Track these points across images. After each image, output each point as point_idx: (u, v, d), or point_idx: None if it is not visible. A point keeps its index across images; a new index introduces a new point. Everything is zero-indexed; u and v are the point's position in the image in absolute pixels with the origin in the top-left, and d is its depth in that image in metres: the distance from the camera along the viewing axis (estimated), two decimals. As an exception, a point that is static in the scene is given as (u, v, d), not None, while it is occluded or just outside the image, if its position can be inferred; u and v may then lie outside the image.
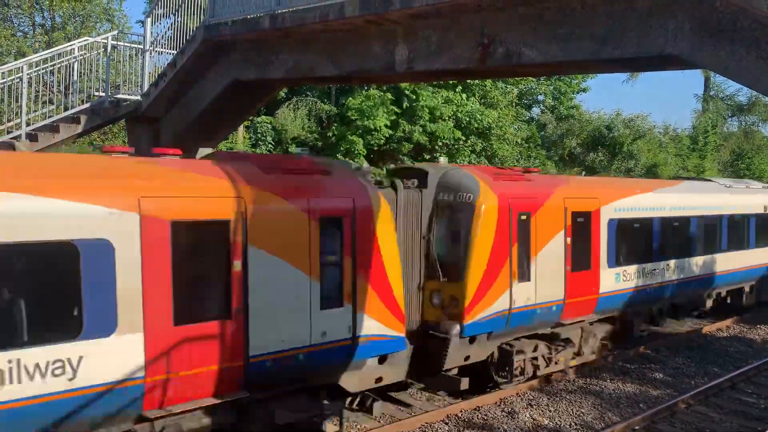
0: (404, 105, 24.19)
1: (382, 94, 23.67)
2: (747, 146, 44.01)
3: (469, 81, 26.30)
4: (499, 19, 9.41)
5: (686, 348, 16.60)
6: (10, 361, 6.40)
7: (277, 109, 26.00)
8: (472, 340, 11.24)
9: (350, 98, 24.28)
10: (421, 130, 24.25)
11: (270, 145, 24.45)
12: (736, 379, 13.87)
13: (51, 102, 14.19)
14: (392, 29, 10.49)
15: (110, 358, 7.03)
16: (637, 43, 8.23)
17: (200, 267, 8.04)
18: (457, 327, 10.89)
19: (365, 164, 22.74)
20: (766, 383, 13.93)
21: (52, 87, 14.92)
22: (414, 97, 24.13)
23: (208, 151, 10.30)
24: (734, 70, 7.35)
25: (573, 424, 11.23)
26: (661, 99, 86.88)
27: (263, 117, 25.18)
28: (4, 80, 12.67)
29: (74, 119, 13.51)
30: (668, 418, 11.61)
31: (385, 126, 23.59)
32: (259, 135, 24.14)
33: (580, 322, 13.30)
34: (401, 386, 11.49)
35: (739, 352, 16.44)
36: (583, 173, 30.92)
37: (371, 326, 9.42)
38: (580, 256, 13.15)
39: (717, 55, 7.43)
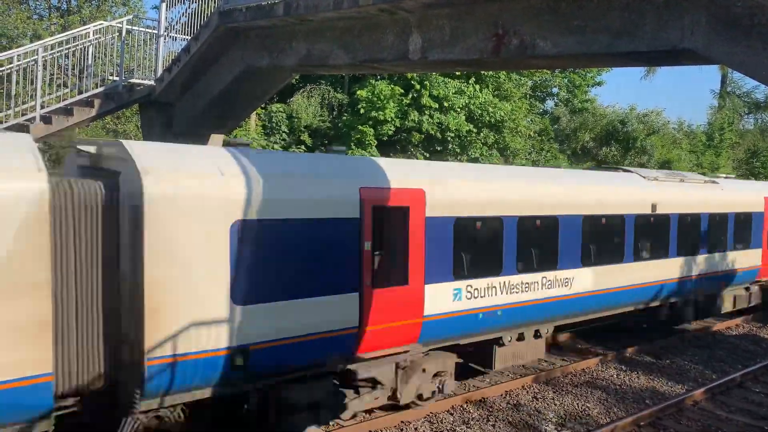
0: (410, 95, 24.09)
1: (391, 88, 23.59)
2: (763, 144, 43.58)
3: (482, 72, 26.17)
4: (513, 9, 9.35)
5: (695, 345, 16.55)
6: None
7: (290, 97, 26.00)
8: None
9: (360, 89, 24.21)
10: (429, 119, 24.16)
11: (284, 134, 24.44)
12: (745, 377, 13.81)
13: (65, 85, 14.27)
14: (406, 18, 10.45)
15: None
16: (652, 36, 8.15)
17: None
18: None
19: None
20: None
21: (67, 70, 15.00)
22: (419, 87, 24.01)
23: (220, 137, 10.45)
24: (750, 66, 7.27)
25: (578, 418, 11.23)
26: (678, 95, 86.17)
27: (277, 105, 25.18)
28: (20, 63, 12.75)
29: (88, 103, 13.59)
30: (675, 414, 11.59)
31: (395, 116, 23.55)
32: (273, 124, 24.14)
33: None
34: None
35: (749, 351, 16.36)
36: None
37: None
38: None
39: (732, 50, 7.35)
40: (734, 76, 44.30)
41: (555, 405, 11.70)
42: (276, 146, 23.81)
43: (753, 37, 7.14)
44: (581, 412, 11.50)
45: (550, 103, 38.76)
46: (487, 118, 25.64)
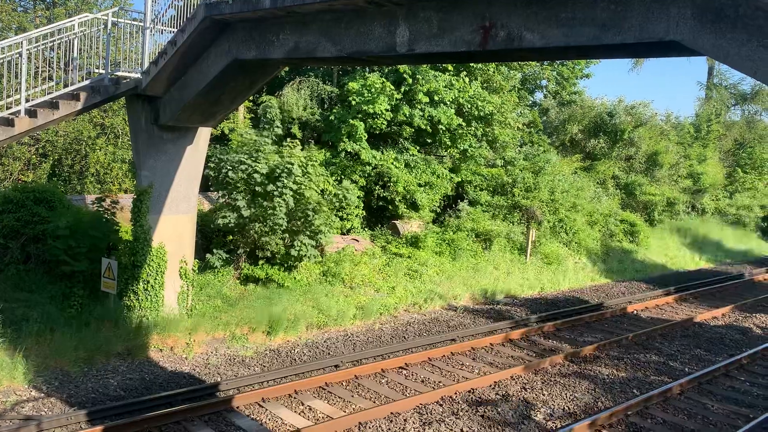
0: (402, 89, 24.02)
1: (383, 81, 23.47)
2: (749, 135, 43.88)
3: (472, 65, 26.14)
4: (500, 1, 9.34)
5: (681, 335, 16.70)
6: None
7: (279, 89, 25.86)
8: None
9: (351, 82, 24.09)
10: (420, 114, 24.14)
11: (278, 129, 24.20)
12: (730, 366, 13.96)
13: (51, 78, 14.13)
14: (393, 10, 10.42)
15: None
16: (638, 28, 8.16)
17: None
18: None
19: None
20: (760, 371, 14.02)
21: (52, 63, 14.85)
22: (410, 81, 23.95)
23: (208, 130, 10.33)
24: (735, 58, 7.30)
25: (566, 408, 11.32)
26: (665, 87, 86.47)
27: (267, 96, 24.98)
28: (4, 56, 12.60)
29: (74, 96, 13.47)
30: (661, 404, 11.71)
31: (386, 110, 23.49)
32: (268, 119, 23.90)
33: None
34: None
35: (734, 340, 16.53)
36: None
37: None
38: None
39: (718, 42, 7.38)
40: (721, 67, 44.63)
41: (543, 395, 11.79)
42: (268, 140, 23.70)
43: (738, 28, 7.18)
44: (569, 401, 11.59)
45: (539, 95, 38.80)
46: (476, 112, 25.65)
